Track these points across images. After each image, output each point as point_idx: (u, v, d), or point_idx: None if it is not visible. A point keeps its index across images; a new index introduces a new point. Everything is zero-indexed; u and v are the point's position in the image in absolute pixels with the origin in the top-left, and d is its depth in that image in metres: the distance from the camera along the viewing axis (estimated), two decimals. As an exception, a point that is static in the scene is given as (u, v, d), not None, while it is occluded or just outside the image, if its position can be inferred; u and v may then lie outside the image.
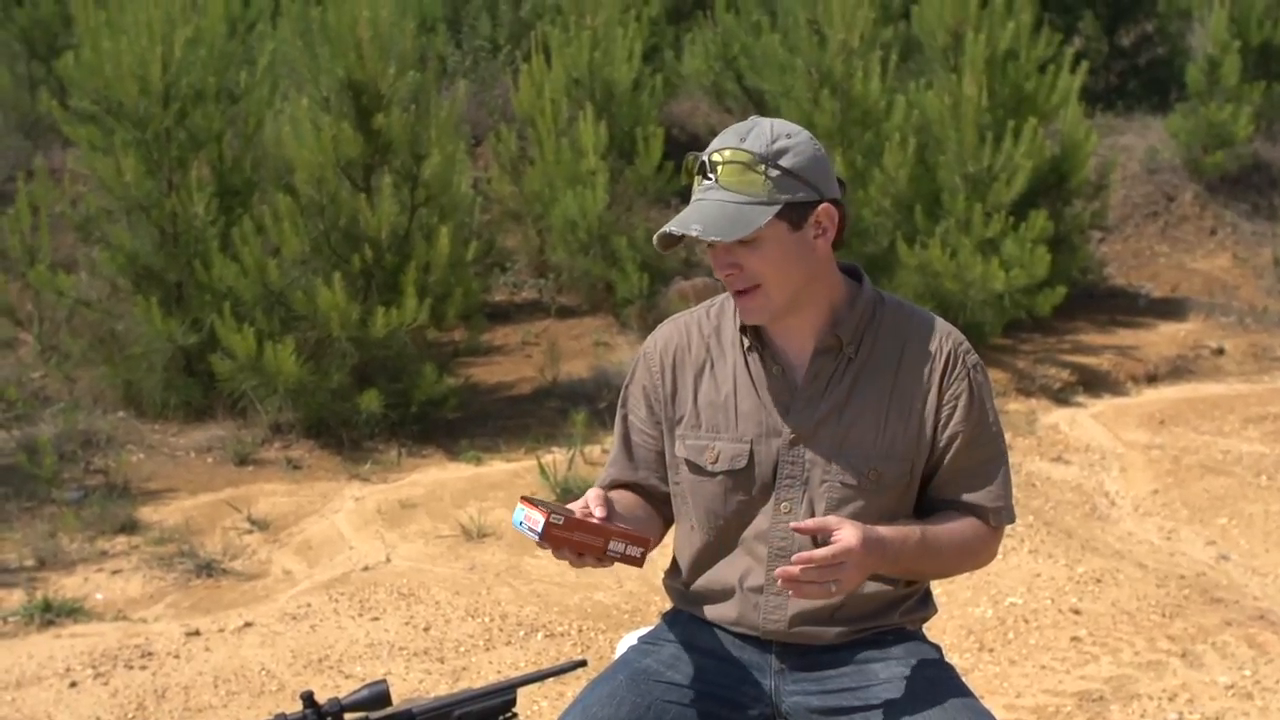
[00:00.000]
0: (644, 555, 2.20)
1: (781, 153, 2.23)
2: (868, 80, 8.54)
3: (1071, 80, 9.01)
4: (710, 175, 2.23)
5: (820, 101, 8.50)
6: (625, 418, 2.48)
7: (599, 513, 2.15)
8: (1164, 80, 12.74)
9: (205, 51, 7.21)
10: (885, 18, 9.67)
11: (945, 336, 2.32)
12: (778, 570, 2.10)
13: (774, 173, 2.22)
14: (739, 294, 2.26)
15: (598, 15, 9.45)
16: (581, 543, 2.11)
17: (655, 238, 2.27)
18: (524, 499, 2.15)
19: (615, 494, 2.43)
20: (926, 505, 2.33)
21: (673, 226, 2.21)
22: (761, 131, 2.24)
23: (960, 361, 2.30)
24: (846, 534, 2.09)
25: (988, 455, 2.32)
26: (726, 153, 2.23)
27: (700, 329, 2.41)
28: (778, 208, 2.21)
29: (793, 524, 2.19)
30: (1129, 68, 13.46)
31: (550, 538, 2.08)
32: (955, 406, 2.28)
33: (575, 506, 2.18)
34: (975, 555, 2.37)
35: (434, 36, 10.76)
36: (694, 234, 2.18)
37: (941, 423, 2.27)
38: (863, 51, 8.61)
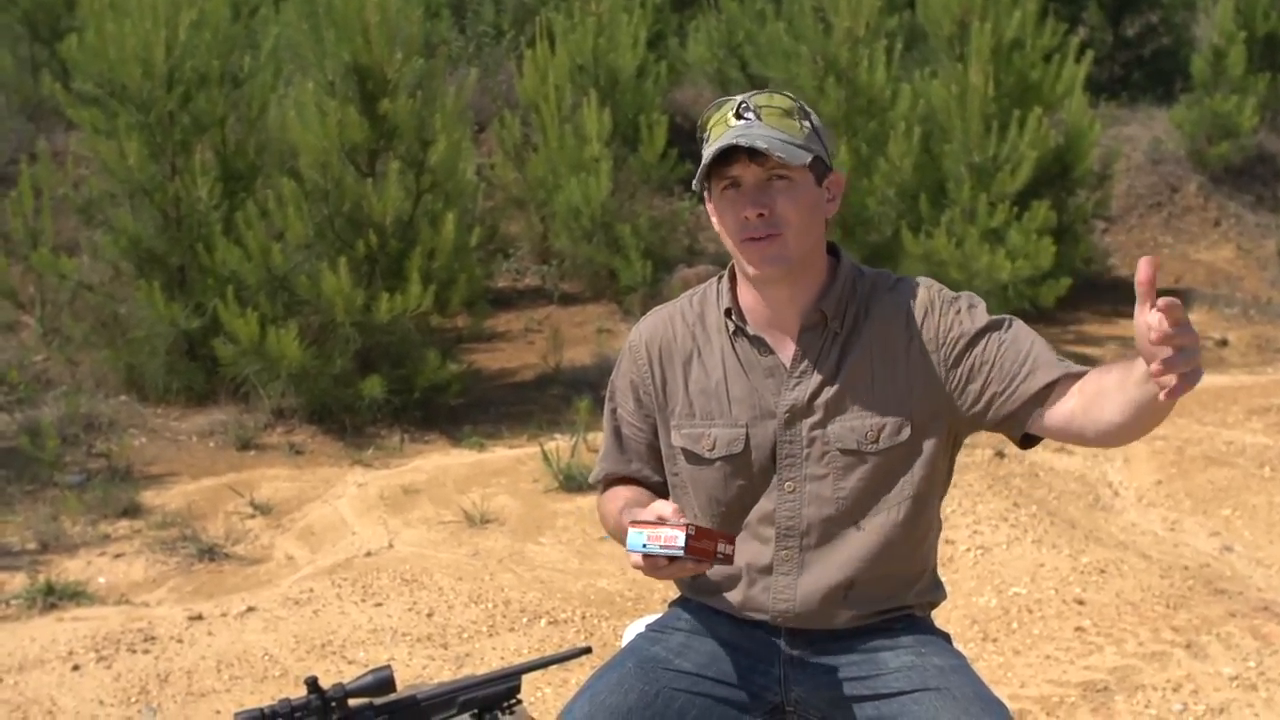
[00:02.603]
0: (734, 552, 2.19)
1: (809, 113, 2.27)
2: (873, 69, 8.53)
3: (1077, 70, 9.00)
4: (748, 115, 2.21)
5: (825, 89, 8.49)
6: (614, 411, 2.47)
7: (683, 519, 2.11)
8: (1168, 71, 12.74)
9: (209, 35, 7.20)
10: (891, 6, 9.67)
11: (920, 288, 2.30)
12: (1153, 369, 1.80)
13: (807, 125, 2.24)
14: (757, 240, 2.21)
15: (602, 1, 9.45)
16: (705, 549, 2.10)
17: (709, 160, 2.19)
18: (632, 523, 2.11)
19: (623, 491, 2.42)
20: (1020, 414, 2.21)
21: (739, 139, 2.16)
22: (783, 93, 2.27)
23: (938, 300, 2.27)
24: None
25: (1029, 343, 2.23)
26: (766, 97, 2.24)
27: (684, 318, 2.40)
28: (812, 156, 2.22)
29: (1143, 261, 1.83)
30: (1133, 58, 13.45)
31: (692, 549, 2.06)
32: (959, 336, 2.24)
33: (650, 515, 2.14)
34: None
35: (438, 22, 10.73)
36: (760, 148, 2.14)
37: (954, 356, 2.24)
38: (868, 40, 8.60)
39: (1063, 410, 2.18)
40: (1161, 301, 1.79)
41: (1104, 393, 2.09)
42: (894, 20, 9.58)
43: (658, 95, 9.64)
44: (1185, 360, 1.80)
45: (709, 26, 11.45)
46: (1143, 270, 1.81)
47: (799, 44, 8.93)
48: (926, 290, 2.29)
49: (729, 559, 2.16)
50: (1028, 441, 2.28)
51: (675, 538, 2.05)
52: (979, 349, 2.24)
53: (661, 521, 2.07)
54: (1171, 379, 1.81)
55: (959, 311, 2.26)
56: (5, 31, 10.33)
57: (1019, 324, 2.27)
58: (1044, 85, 8.86)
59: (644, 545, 2.08)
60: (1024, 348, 2.23)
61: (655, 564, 2.09)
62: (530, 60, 9.44)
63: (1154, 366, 1.82)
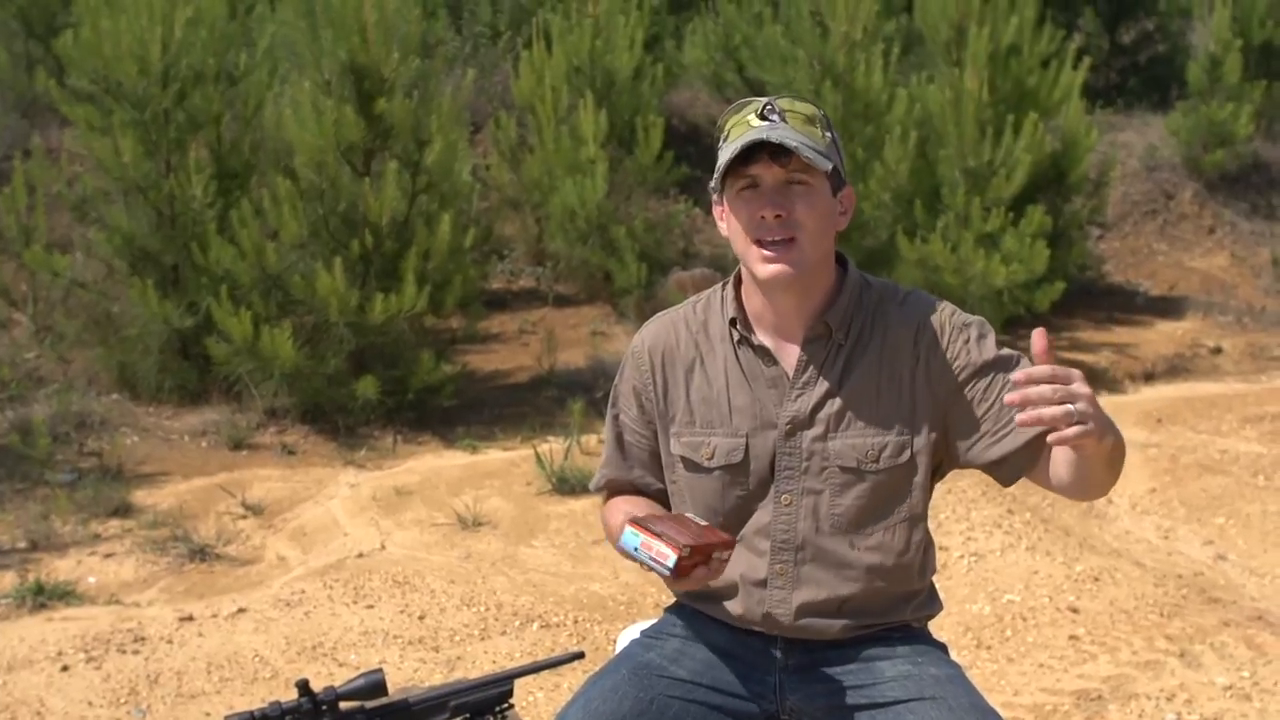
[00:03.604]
0: (730, 556, 2.16)
1: (830, 123, 2.26)
2: (870, 73, 8.52)
3: (1074, 76, 9.00)
4: (773, 117, 2.19)
5: (822, 93, 8.48)
6: (616, 418, 2.44)
7: (701, 522, 2.09)
8: (1164, 78, 12.74)
9: (205, 32, 7.17)
10: (888, 10, 9.68)
11: (930, 308, 2.28)
12: (1008, 397, 1.92)
13: (828, 135, 2.23)
14: (771, 244, 2.18)
15: (599, 3, 9.42)
16: (697, 565, 2.07)
17: (731, 156, 2.16)
18: (633, 520, 2.07)
19: (624, 504, 2.40)
20: (1009, 460, 2.21)
21: (767, 135, 2.13)
22: (806, 99, 2.27)
23: (949, 325, 2.25)
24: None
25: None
26: (789, 101, 2.23)
27: (688, 325, 2.38)
28: (831, 165, 2.20)
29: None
30: (1129, 65, 13.45)
31: (680, 572, 2.02)
32: (965, 365, 2.23)
33: (659, 522, 2.10)
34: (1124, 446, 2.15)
35: (435, 22, 10.71)
36: (790, 145, 2.12)
37: (956, 385, 2.23)
38: (865, 44, 8.59)
39: (1046, 465, 2.20)
40: (1057, 371, 1.92)
41: (1057, 454, 2.16)
42: (891, 24, 9.58)
43: (654, 97, 9.61)
44: (1065, 415, 1.90)
45: (706, 29, 11.43)
46: (1037, 343, 1.95)
47: (796, 47, 8.92)
48: (939, 311, 2.27)
49: (725, 562, 2.14)
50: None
51: (666, 557, 2.02)
52: (981, 384, 2.23)
53: (661, 534, 2.04)
54: (1060, 430, 1.92)
55: (968, 340, 2.25)
56: (0, 28, 10.29)
57: (1025, 364, 2.24)
58: (1040, 91, 8.86)
59: (635, 549, 2.06)
60: None
61: (685, 573, 2.06)
62: (527, 61, 9.42)
63: (1022, 416, 1.92)
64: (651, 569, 2.05)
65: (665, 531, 2.05)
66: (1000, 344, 2.26)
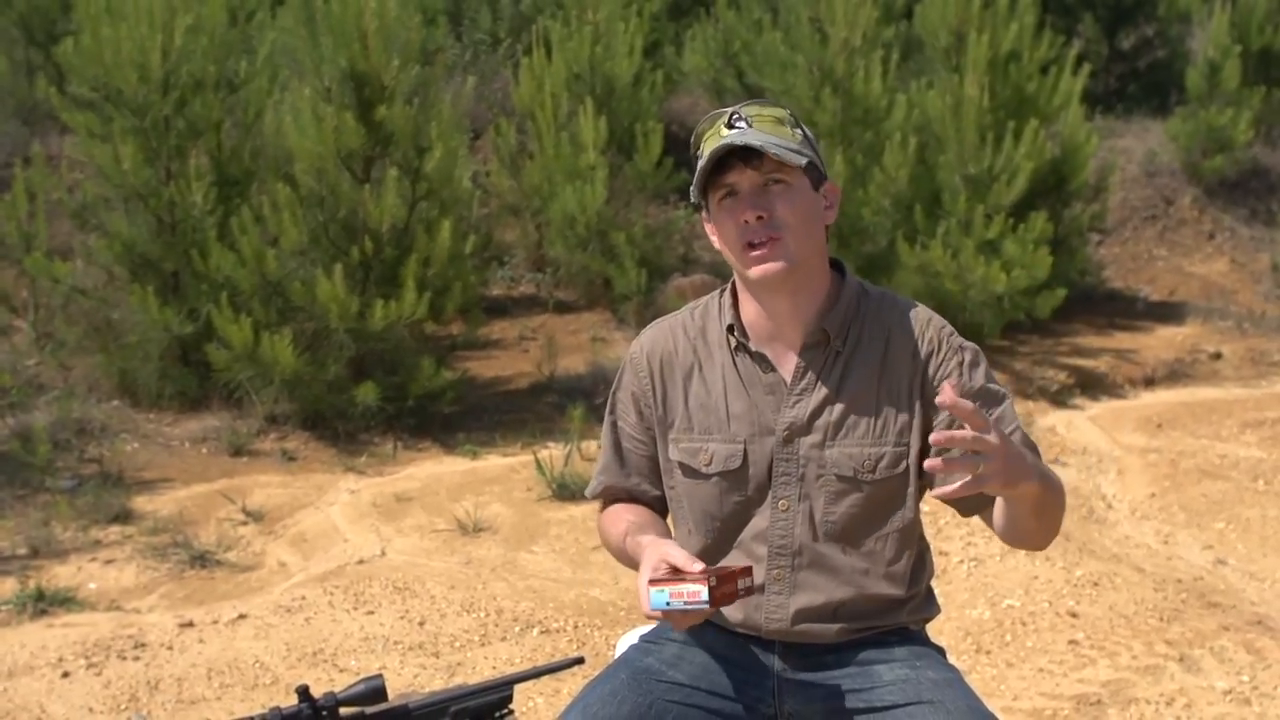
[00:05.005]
0: (753, 582, 2.19)
1: (800, 122, 2.28)
2: (869, 79, 8.53)
3: (1073, 82, 9.01)
4: (740, 124, 2.21)
5: (821, 100, 8.49)
6: (615, 424, 2.45)
7: (697, 567, 2.08)
8: (1164, 83, 12.75)
9: (205, 40, 7.18)
10: (887, 17, 9.67)
11: (929, 323, 2.29)
12: (928, 463, 1.92)
13: (799, 133, 2.25)
14: (757, 245, 2.20)
15: (599, 10, 9.43)
16: (727, 593, 2.09)
17: (705, 166, 2.19)
18: (651, 581, 2.08)
19: (625, 514, 2.38)
20: (967, 500, 2.19)
21: (734, 140, 2.16)
22: (775, 103, 2.28)
23: (945, 344, 2.27)
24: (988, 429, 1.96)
25: (1008, 431, 2.18)
26: (757, 107, 2.25)
27: (686, 331, 2.39)
28: (807, 160, 2.22)
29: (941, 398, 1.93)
30: (1129, 70, 13.46)
31: (717, 600, 2.04)
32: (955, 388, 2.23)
33: (664, 570, 2.12)
34: (1061, 500, 2.19)
35: (435, 29, 10.72)
36: (755, 145, 2.14)
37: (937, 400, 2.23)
38: (864, 50, 8.60)
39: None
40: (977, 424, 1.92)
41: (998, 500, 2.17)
42: (890, 31, 9.58)
43: (654, 104, 9.62)
44: (969, 463, 1.93)
45: (705, 36, 11.44)
46: (946, 394, 1.92)
47: (795, 54, 8.93)
48: (936, 329, 2.29)
49: (753, 589, 2.18)
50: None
51: (698, 593, 2.03)
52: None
53: (679, 576, 2.05)
54: (952, 481, 1.95)
55: (961, 364, 2.26)
56: (1, 35, 10.30)
57: (1009, 405, 2.26)
58: (1040, 97, 8.87)
59: (667, 604, 2.06)
60: (997, 416, 2.21)
61: (720, 602, 2.07)
62: (527, 68, 9.43)
63: (930, 462, 1.92)
64: (689, 611, 2.06)
65: (686, 575, 2.07)
66: (990, 376, 2.28)
